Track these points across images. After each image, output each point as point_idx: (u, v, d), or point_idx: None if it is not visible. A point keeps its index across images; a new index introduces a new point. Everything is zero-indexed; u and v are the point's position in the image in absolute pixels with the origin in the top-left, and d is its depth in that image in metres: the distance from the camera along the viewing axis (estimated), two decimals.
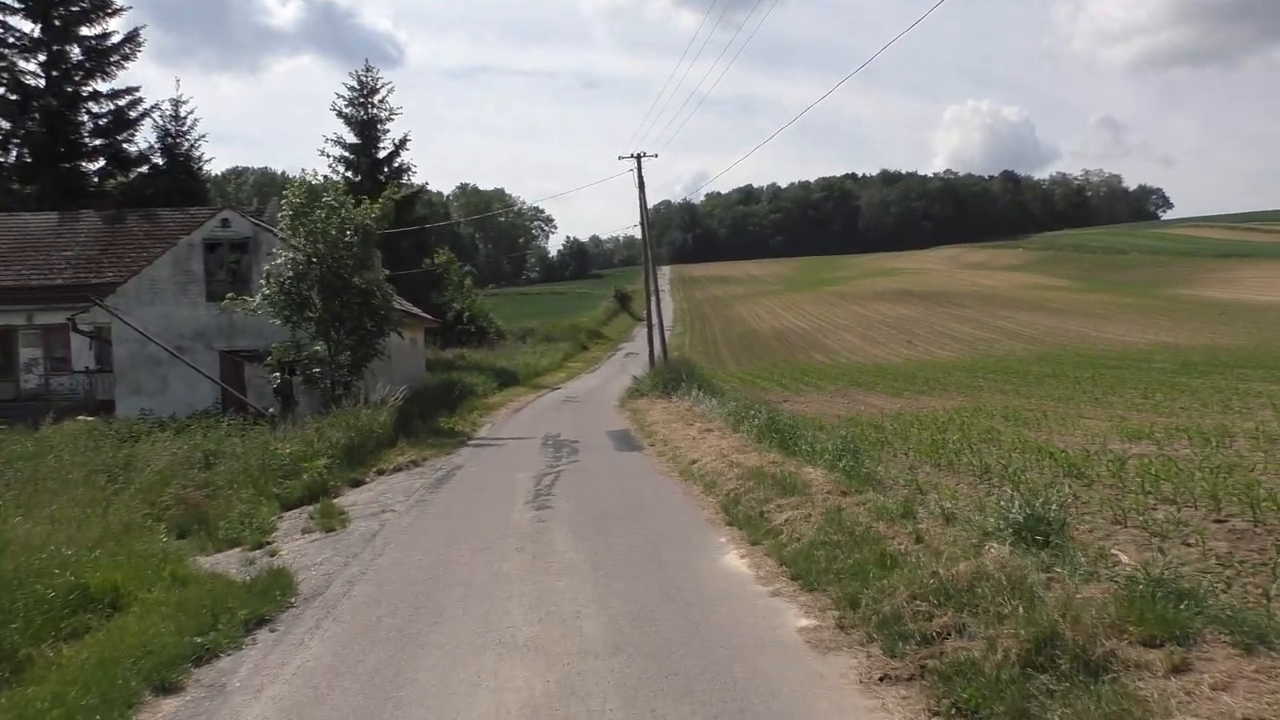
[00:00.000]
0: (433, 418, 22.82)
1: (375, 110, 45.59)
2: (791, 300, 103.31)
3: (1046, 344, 56.63)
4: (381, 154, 45.96)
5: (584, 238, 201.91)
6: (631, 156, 33.66)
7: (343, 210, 21.12)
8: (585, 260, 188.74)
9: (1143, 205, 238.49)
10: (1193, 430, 14.90)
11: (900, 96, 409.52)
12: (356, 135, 45.42)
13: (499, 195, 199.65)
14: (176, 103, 41.00)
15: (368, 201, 22.04)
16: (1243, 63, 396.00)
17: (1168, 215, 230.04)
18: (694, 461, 14.05)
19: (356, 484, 14.87)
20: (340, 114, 45.25)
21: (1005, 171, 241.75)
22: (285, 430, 16.99)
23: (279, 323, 21.14)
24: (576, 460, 15.87)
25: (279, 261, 21.01)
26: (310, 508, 12.50)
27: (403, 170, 46.45)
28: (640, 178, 33.48)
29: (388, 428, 17.91)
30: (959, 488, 10.74)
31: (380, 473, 15.75)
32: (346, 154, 45.24)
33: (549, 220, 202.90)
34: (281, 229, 21.86)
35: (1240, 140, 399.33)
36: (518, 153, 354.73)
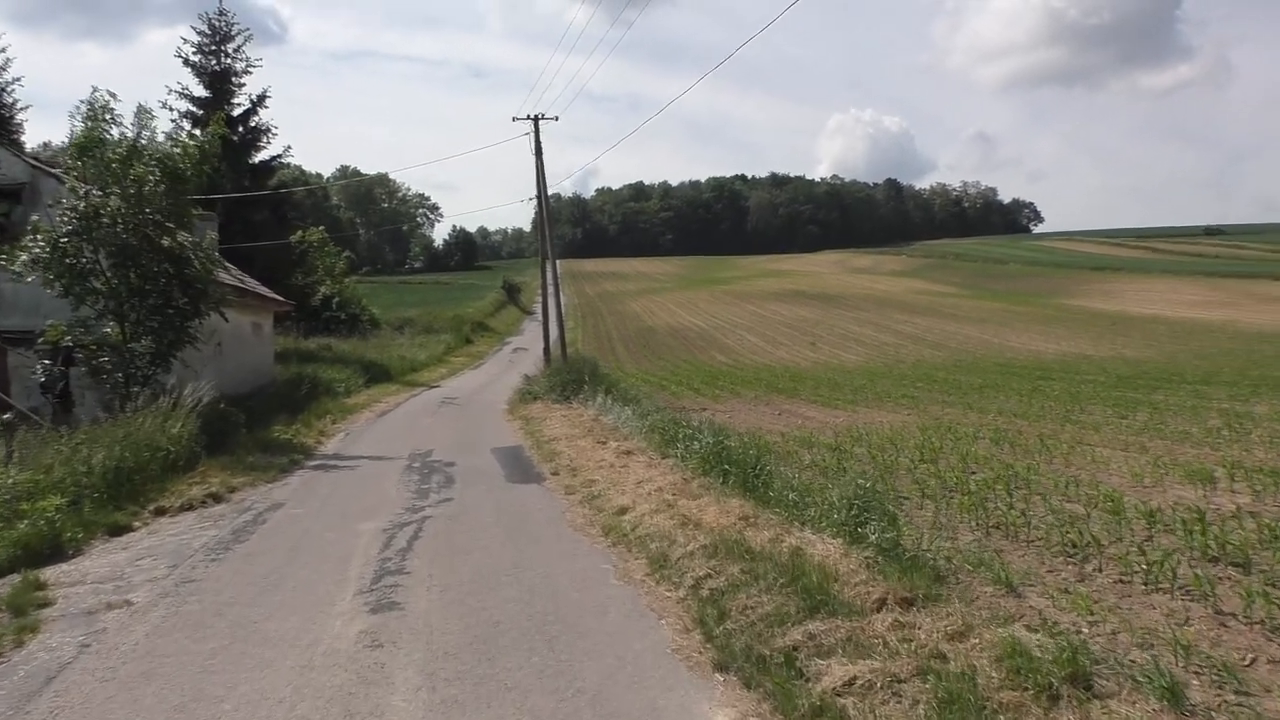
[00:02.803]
0: (266, 425, 17.73)
1: (230, 60, 39.33)
2: (685, 298, 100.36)
3: (952, 350, 54.72)
4: (236, 111, 39.66)
5: (471, 229, 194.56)
6: (528, 118, 28.96)
7: (143, 145, 15.90)
8: (472, 251, 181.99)
9: (1016, 218, 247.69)
10: (1265, 469, 11.42)
11: (787, 103, 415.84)
12: (206, 88, 39.00)
13: (382, 180, 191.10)
14: None
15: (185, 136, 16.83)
16: (1106, 84, 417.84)
17: (1039, 228, 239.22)
18: (623, 511, 9.64)
19: (118, 531, 9.91)
20: (187, 62, 38.74)
21: (889, 179, 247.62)
22: (32, 445, 11.76)
23: (59, 294, 15.78)
24: (450, 499, 11.24)
25: (52, 209, 15.65)
26: (9, 580, 7.68)
27: (261, 131, 40.19)
28: (538, 141, 28.83)
29: (183, 443, 12.85)
30: (1075, 581, 6.73)
31: (160, 512, 10.78)
32: (194, 109, 38.82)
33: (435, 208, 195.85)
34: (64, 169, 16.47)
35: (1101, 158, 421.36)
36: (403, 140, 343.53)
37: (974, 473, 12.43)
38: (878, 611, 5.73)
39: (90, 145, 15.53)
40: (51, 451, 11.03)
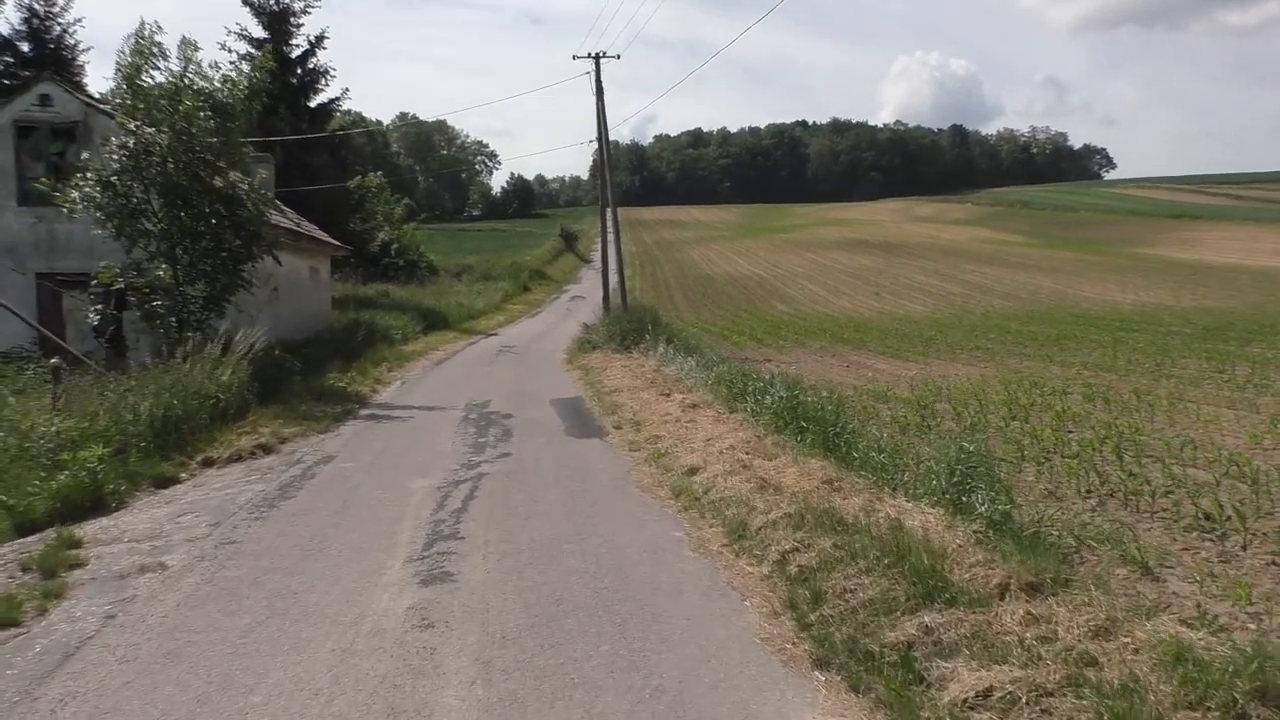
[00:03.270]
0: (320, 372, 17.31)
1: (289, 0, 38.66)
2: (744, 246, 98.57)
3: (1024, 301, 52.67)
4: (295, 53, 39.07)
5: (529, 176, 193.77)
6: (588, 56, 27.85)
7: (192, 79, 15.32)
8: (530, 199, 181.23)
9: (1087, 165, 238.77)
10: None
11: (849, 46, 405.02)
12: (264, 28, 38.41)
13: (440, 127, 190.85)
14: None
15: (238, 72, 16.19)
16: (1186, 24, 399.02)
17: (1111, 175, 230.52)
18: (693, 471, 8.90)
19: (165, 483, 9.50)
20: (246, 1, 38.22)
21: (954, 125, 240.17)
22: (79, 391, 11.38)
23: (111, 236, 15.42)
24: (507, 454, 10.61)
25: (104, 148, 15.22)
26: (45, 536, 7.25)
27: (320, 73, 39.56)
28: (599, 82, 27.68)
29: (234, 391, 12.39)
30: (1218, 562, 5.84)
31: (208, 464, 10.35)
32: (252, 50, 38.29)
33: (493, 155, 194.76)
34: (114, 105, 16.00)
35: (1179, 101, 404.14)
36: (461, 88, 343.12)
37: (1071, 432, 11.46)
38: (1001, 600, 4.92)
39: (137, 77, 14.98)
40: (97, 398, 10.61)
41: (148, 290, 15.55)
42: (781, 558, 6.10)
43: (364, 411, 14.34)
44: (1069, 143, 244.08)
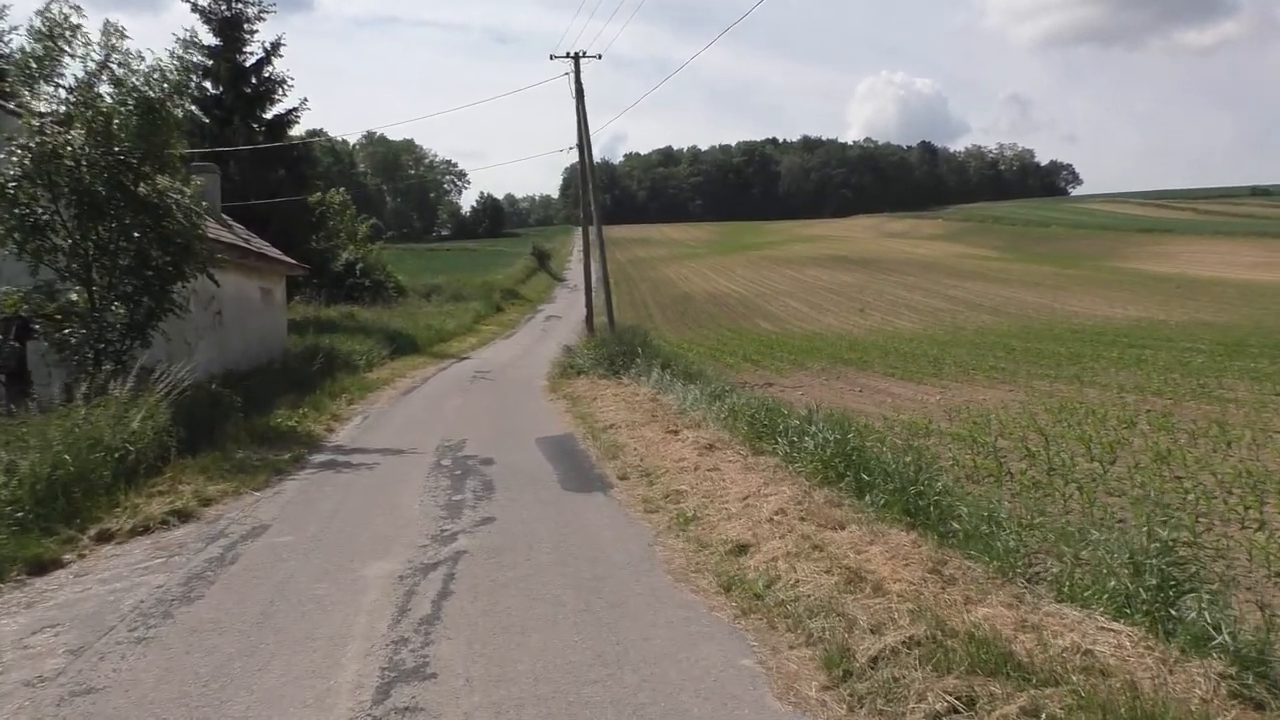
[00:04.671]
0: (268, 409, 14.94)
1: (241, 5, 36.24)
2: (720, 263, 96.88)
3: (1012, 316, 51.16)
4: (249, 61, 36.67)
5: (499, 195, 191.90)
6: (567, 56, 25.76)
7: (115, 65, 13.07)
8: (500, 218, 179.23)
9: (1053, 180, 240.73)
10: None
11: (816, 67, 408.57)
12: (215, 35, 36.01)
13: (408, 146, 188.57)
14: None
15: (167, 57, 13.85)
16: (1146, 43, 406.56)
17: (1077, 191, 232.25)
18: (741, 549, 6.70)
19: (42, 568, 7.17)
20: (196, 7, 35.76)
21: (923, 142, 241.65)
22: None
23: (12, 254, 13.05)
24: (490, 519, 8.33)
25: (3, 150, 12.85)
26: None
27: (276, 83, 37.09)
28: (579, 83, 25.58)
29: (148, 439, 10.04)
30: None
31: (104, 538, 8.00)
32: (204, 59, 35.92)
33: (462, 175, 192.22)
34: (17, 100, 13.65)
35: (1140, 119, 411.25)
36: (428, 107, 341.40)
37: (1181, 476, 9.42)
38: None
39: (43, 68, 12.68)
40: None
41: (58, 317, 13.17)
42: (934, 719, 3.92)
43: (315, 458, 12.01)
44: (1036, 159, 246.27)
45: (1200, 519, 7.58)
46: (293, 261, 25.10)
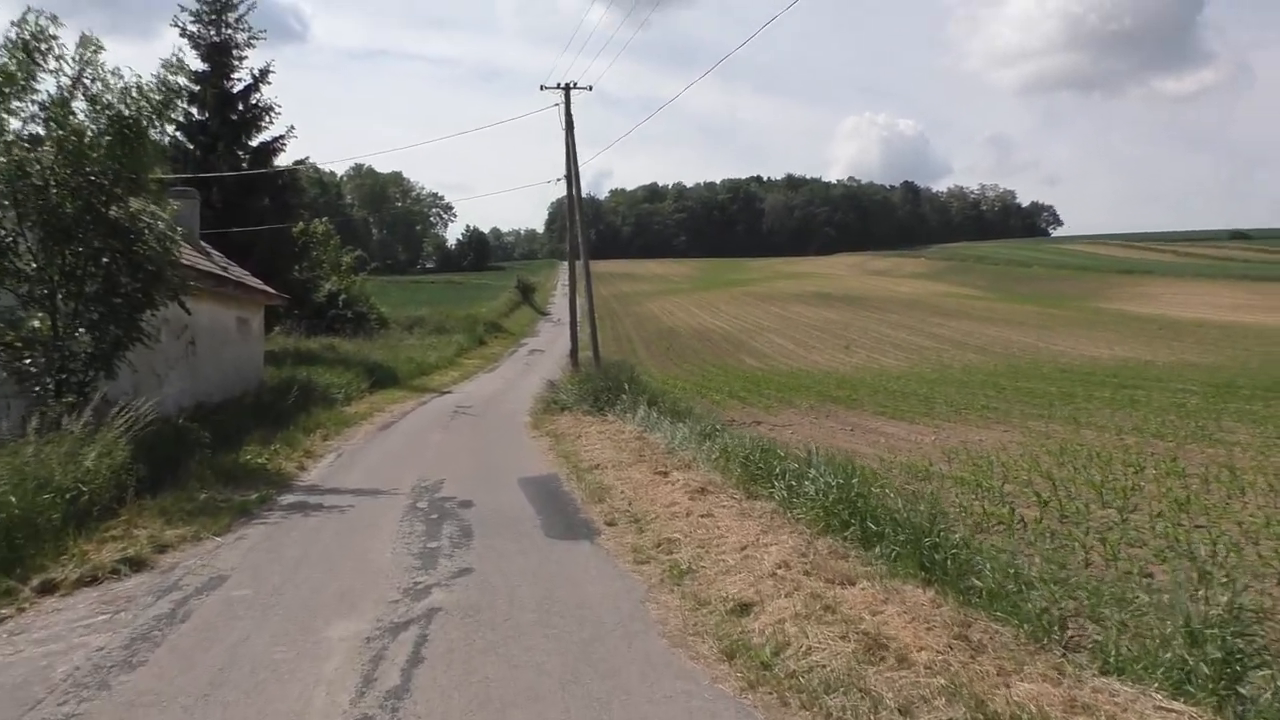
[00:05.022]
0: (238, 444, 14.27)
1: (230, 31, 35.82)
2: (704, 299, 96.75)
3: (1000, 355, 50.97)
4: (236, 88, 36.18)
5: (485, 228, 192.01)
6: (557, 87, 25.39)
7: (89, 81, 12.52)
8: (485, 251, 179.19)
9: (1035, 221, 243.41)
10: None
11: (800, 106, 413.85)
12: (204, 60, 35.52)
13: (395, 179, 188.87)
14: None
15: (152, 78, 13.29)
16: (1125, 90, 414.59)
17: (1058, 232, 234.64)
18: (744, 609, 6.11)
19: None
20: (184, 32, 35.30)
21: (905, 182, 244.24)
22: None
23: None
24: (469, 569, 7.71)
25: None
26: None
27: (264, 110, 36.55)
28: (569, 114, 25.21)
29: (102, 478, 9.37)
30: None
31: (48, 589, 7.33)
32: (190, 85, 35.39)
33: (448, 207, 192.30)
34: None
35: (1118, 163, 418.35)
36: (416, 141, 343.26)
37: (1201, 525, 8.91)
38: None
39: (15, 83, 12.12)
40: None
41: (19, 345, 12.51)
42: None
43: (284, 498, 11.34)
44: (1017, 200, 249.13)
45: (1233, 573, 7.06)
46: (272, 291, 24.47)
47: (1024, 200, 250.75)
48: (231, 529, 9.45)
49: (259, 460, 13.31)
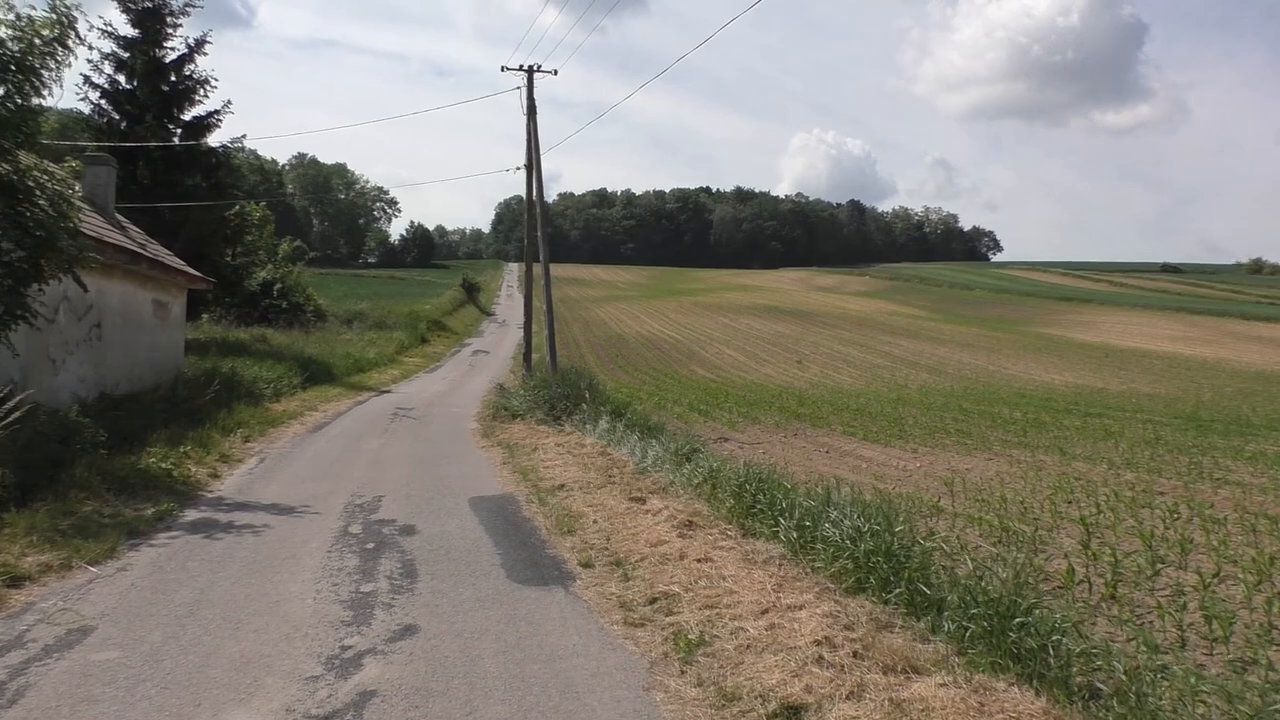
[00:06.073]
0: (141, 444, 12.28)
1: None
2: (653, 307, 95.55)
3: (951, 376, 50.43)
4: (169, 57, 33.60)
5: (429, 226, 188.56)
6: (520, 69, 23.58)
7: None
8: (429, 248, 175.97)
9: (975, 245, 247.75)
10: None
11: (751, 119, 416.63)
12: (134, 26, 32.92)
13: (340, 170, 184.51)
14: None
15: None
16: (1067, 121, 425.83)
17: (997, 257, 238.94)
18: (790, 712, 4.56)
19: None
20: None
21: (852, 200, 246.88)
22: None
23: None
24: (413, 628, 5.98)
25: None
26: None
27: (199, 83, 34.01)
28: (530, 98, 23.34)
29: None
30: None
31: None
32: (119, 50, 32.79)
33: (393, 202, 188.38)
34: None
35: (1056, 192, 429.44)
36: (361, 134, 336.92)
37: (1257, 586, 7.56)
38: None
39: None
40: None
41: None
42: None
43: (187, 514, 9.46)
44: (960, 224, 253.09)
45: None
46: (195, 274, 22.27)
47: (966, 225, 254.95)
48: (114, 555, 7.59)
49: (163, 465, 11.34)
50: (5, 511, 8.17)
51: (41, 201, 10.99)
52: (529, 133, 23.56)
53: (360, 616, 6.18)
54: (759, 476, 9.56)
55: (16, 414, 9.26)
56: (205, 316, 36.72)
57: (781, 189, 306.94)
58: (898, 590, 6.24)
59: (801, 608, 6.09)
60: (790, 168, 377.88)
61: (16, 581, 6.66)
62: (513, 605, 6.59)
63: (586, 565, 7.72)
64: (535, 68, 23.83)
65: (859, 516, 7.32)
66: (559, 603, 6.70)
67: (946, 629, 5.58)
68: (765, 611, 6.06)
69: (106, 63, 32.83)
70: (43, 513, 8.32)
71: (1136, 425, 25.86)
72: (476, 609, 6.45)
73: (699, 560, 7.55)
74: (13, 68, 10.44)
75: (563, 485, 11.40)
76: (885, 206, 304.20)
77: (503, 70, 23.99)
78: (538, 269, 23.99)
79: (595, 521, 9.30)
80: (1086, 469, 16.34)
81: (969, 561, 6.31)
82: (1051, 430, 23.67)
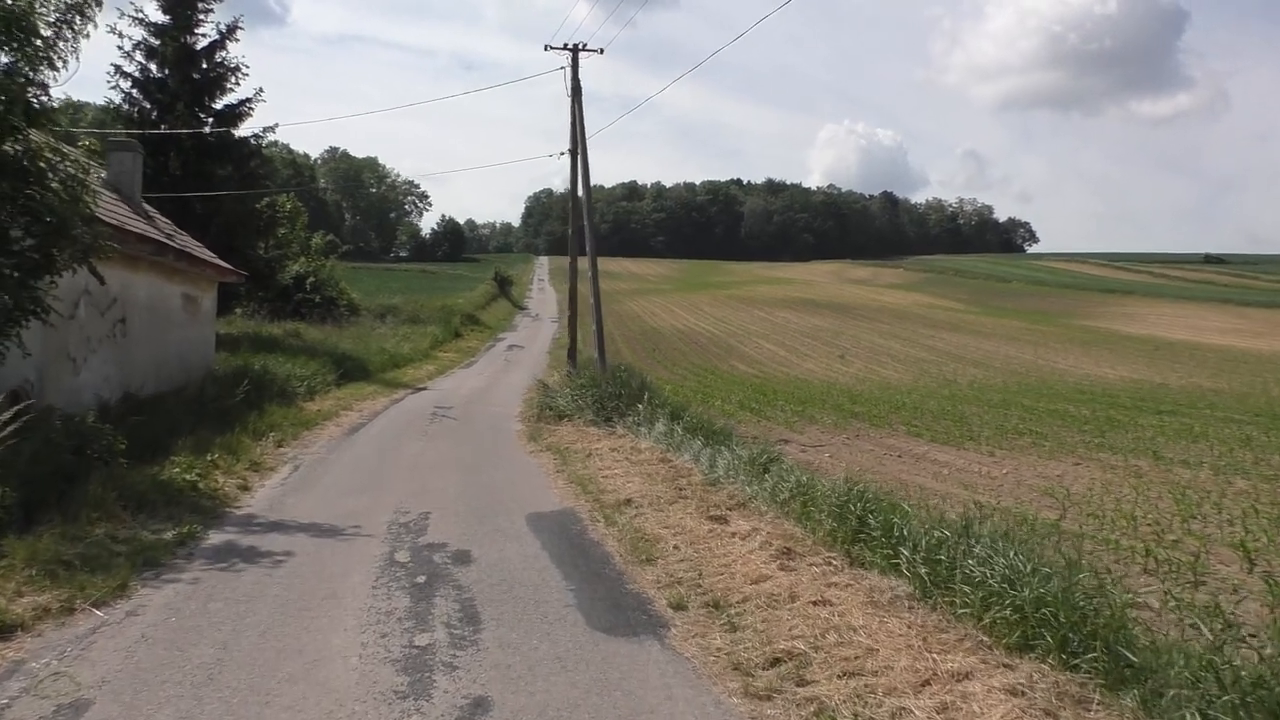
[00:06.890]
0: (163, 451, 11.22)
1: None
2: (686, 300, 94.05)
3: (999, 370, 48.66)
4: (200, 44, 32.77)
5: (460, 219, 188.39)
6: (564, 48, 22.44)
7: None
8: (460, 242, 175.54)
9: (1011, 237, 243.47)
10: None
11: (781, 112, 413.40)
12: (164, 11, 32.11)
13: (371, 164, 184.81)
14: None
15: None
16: (1103, 110, 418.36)
17: (1034, 249, 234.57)
18: None
19: None
20: None
21: (885, 192, 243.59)
22: None
23: None
24: (483, 699, 4.78)
25: None
26: None
27: (230, 70, 33.17)
28: (575, 79, 22.15)
29: None
30: None
31: None
32: (149, 37, 32.00)
33: (424, 196, 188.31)
34: None
35: (1092, 182, 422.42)
36: (391, 128, 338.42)
37: None
38: None
39: None
40: None
41: None
42: None
43: (212, 538, 8.34)
44: (994, 215, 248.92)
45: None
46: (227, 266, 21.28)
47: (1001, 216, 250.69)
48: (125, 592, 6.47)
49: (188, 476, 10.25)
50: (3, 538, 7.09)
51: (54, 184, 9.93)
52: (574, 115, 22.34)
53: (417, 685, 4.98)
54: (861, 496, 8.27)
55: (17, 423, 8.18)
56: (239, 311, 35.98)
57: (812, 181, 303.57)
58: (1089, 655, 4.94)
59: (968, 675, 4.83)
60: (820, 159, 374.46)
61: (7, 630, 5.55)
62: (601, 666, 5.36)
63: (678, 607, 6.49)
64: (581, 46, 22.63)
65: (1015, 554, 6.02)
66: (657, 662, 5.46)
67: (1148, 704, 4.28)
68: (926, 684, 4.81)
69: (138, 51, 32.07)
70: (47, 538, 7.23)
71: (1217, 424, 24.26)
72: (558, 672, 5.24)
73: (814, 603, 6.31)
74: (19, 34, 9.34)
75: (629, 500, 10.17)
76: (918, 198, 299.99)
77: (546, 49, 22.79)
78: (583, 262, 22.75)
79: (676, 547, 8.07)
80: (1190, 475, 14.90)
81: (1151, 604, 5.01)
82: (1129, 430, 22.15)
